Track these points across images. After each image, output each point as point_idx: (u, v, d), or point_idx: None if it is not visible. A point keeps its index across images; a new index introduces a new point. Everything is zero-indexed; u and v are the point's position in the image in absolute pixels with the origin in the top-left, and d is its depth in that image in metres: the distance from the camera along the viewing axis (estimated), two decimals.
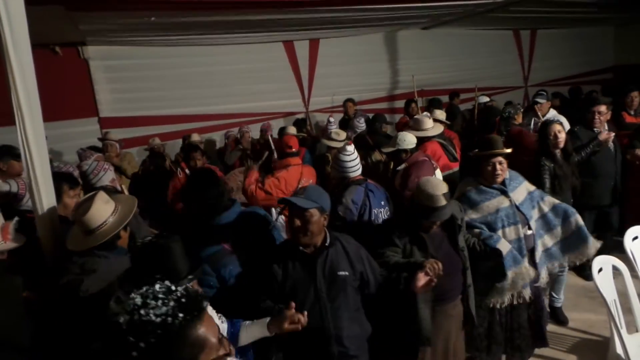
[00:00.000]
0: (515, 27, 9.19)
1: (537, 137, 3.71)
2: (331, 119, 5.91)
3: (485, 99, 6.63)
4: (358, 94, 7.50)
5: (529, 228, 2.80)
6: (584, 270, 4.06)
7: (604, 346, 3.14)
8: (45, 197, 2.19)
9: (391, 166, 3.86)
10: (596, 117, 3.96)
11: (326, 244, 2.12)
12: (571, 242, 2.86)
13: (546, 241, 2.89)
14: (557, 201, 2.95)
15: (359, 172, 3.14)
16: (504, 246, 2.65)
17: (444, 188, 2.31)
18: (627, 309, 2.85)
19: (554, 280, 3.62)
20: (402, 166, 3.50)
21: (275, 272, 2.10)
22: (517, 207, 2.76)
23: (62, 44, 6.18)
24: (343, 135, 4.68)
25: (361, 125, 5.60)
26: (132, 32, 5.72)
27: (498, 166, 2.73)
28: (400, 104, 8.18)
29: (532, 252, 2.83)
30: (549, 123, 3.59)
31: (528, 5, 6.53)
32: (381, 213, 3.06)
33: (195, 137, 5.83)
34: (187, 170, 4.26)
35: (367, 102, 7.91)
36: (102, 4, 4.21)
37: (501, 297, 2.74)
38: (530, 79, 9.75)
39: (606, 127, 4.01)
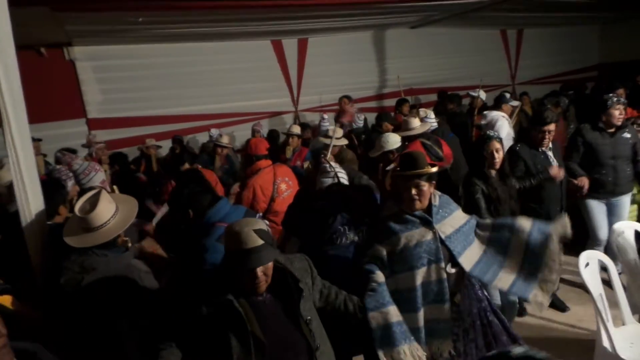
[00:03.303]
0: (502, 27, 9.28)
1: (472, 153, 3.30)
2: (325, 116, 5.89)
3: (484, 95, 6.66)
4: (347, 93, 7.50)
5: (453, 265, 2.26)
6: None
7: (592, 340, 3.18)
8: (33, 199, 2.17)
9: (381, 168, 3.87)
10: (546, 137, 3.46)
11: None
12: (533, 255, 2.26)
13: (509, 271, 2.27)
14: (492, 220, 2.51)
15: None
16: (386, 316, 2.06)
17: (257, 224, 1.69)
18: (614, 303, 2.90)
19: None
20: (391, 167, 3.52)
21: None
22: (442, 241, 2.24)
23: (47, 45, 6.12)
24: (339, 132, 4.66)
25: (359, 122, 5.62)
26: (118, 33, 5.68)
27: (414, 190, 2.23)
28: (388, 102, 8.23)
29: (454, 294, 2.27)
30: (487, 139, 3.13)
31: (514, 4, 6.61)
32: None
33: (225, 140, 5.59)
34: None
35: (356, 101, 7.91)
36: (87, 4, 4.18)
37: None
38: (518, 77, 9.85)
39: (551, 146, 3.54)
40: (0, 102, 2.04)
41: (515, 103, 5.77)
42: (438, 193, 2.38)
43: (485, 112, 5.14)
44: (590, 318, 3.50)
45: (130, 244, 2.22)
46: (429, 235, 2.24)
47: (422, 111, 5.07)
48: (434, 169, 2.28)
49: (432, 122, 4.87)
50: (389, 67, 8.39)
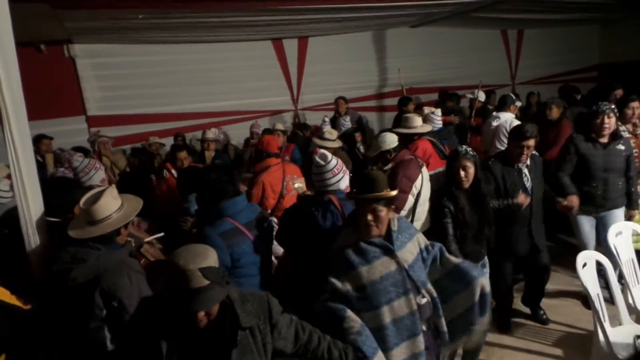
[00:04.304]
0: (503, 27, 9.28)
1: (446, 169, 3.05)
2: (326, 119, 5.87)
3: (483, 95, 6.65)
4: (347, 92, 7.50)
5: (423, 295, 2.10)
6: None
7: (589, 340, 3.19)
8: (32, 197, 2.17)
9: (378, 167, 3.87)
10: (524, 152, 3.14)
11: None
12: (466, 318, 2.18)
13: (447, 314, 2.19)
14: (457, 260, 2.28)
15: (343, 185, 2.61)
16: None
17: (206, 259, 1.51)
18: (610, 303, 2.91)
19: None
20: (389, 166, 3.51)
21: None
22: (407, 271, 2.06)
23: (47, 42, 6.11)
24: (335, 134, 4.67)
25: (347, 123, 5.61)
26: (119, 30, 5.67)
27: (370, 216, 2.03)
28: (389, 102, 8.22)
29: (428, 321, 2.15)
30: (460, 154, 2.83)
31: (516, 4, 6.61)
32: None
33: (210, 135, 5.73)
34: (173, 171, 4.15)
35: (356, 100, 7.92)
36: (88, 1, 4.17)
37: None
38: (518, 77, 9.84)
39: (528, 163, 3.25)
40: (0, 99, 2.04)
41: (518, 103, 5.72)
42: (397, 216, 2.20)
43: (496, 114, 5.02)
44: (588, 318, 3.51)
45: (132, 244, 2.24)
46: (393, 266, 2.04)
47: (426, 109, 5.03)
48: (394, 193, 2.10)
49: (438, 121, 4.86)
50: (389, 67, 8.38)
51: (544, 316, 3.63)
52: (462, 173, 2.81)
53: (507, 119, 4.77)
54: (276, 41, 7.59)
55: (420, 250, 2.20)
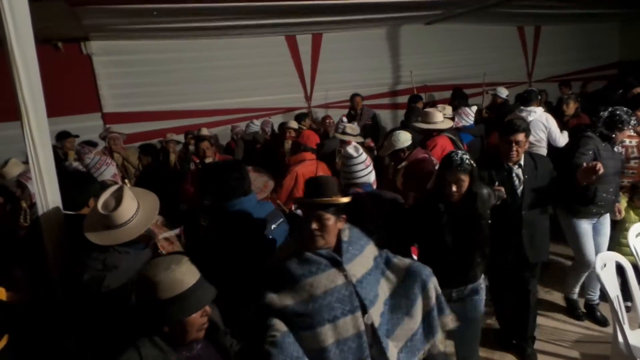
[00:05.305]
0: (519, 24, 9.15)
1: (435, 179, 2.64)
2: (344, 118, 5.80)
3: (505, 92, 6.57)
4: (361, 89, 7.47)
5: (369, 317, 1.83)
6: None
7: (608, 342, 3.13)
8: (50, 193, 2.19)
9: (391, 166, 3.85)
10: (513, 148, 2.82)
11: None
12: (432, 319, 1.95)
13: (406, 328, 1.91)
14: (408, 261, 2.02)
15: (372, 178, 2.64)
16: None
17: (186, 274, 1.48)
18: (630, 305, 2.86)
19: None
20: (403, 165, 3.48)
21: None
22: (355, 287, 1.82)
23: (64, 40, 6.20)
24: (356, 129, 4.68)
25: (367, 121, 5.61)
26: (134, 28, 5.72)
27: (315, 224, 1.82)
28: (402, 99, 8.17)
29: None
30: (454, 165, 2.31)
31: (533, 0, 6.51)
32: None
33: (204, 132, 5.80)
34: (197, 162, 4.15)
35: (370, 98, 7.88)
36: None
37: None
38: (534, 75, 9.70)
39: (522, 163, 2.91)
40: (20, 95, 2.07)
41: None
42: (348, 226, 1.96)
43: (526, 108, 4.87)
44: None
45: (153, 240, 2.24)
46: (340, 280, 1.80)
47: (440, 107, 4.97)
48: (345, 199, 1.87)
49: (470, 117, 4.91)
50: (403, 64, 8.33)
51: (529, 350, 3.19)
52: (454, 187, 2.31)
53: (542, 113, 4.73)
54: (290, 37, 7.59)
55: (374, 259, 1.97)
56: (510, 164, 2.88)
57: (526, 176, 2.89)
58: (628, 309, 2.92)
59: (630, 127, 3.32)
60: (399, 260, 2.00)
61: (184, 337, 1.49)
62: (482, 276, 2.57)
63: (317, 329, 1.75)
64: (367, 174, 2.60)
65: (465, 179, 2.31)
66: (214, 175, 2.47)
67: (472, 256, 2.40)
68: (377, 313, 1.85)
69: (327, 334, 1.76)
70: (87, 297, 1.96)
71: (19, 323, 2.11)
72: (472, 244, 2.37)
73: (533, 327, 3.24)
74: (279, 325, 1.73)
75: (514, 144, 2.81)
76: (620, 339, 2.66)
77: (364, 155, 2.62)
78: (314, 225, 1.81)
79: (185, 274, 1.47)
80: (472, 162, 2.33)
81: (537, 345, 3.31)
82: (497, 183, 2.79)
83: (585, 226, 3.44)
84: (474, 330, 2.60)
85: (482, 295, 2.59)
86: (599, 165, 2.64)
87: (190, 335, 1.49)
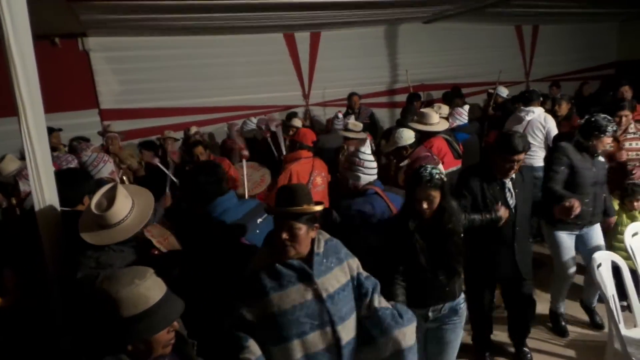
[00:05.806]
0: (517, 23, 9.15)
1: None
2: (340, 115, 5.83)
3: (505, 91, 6.59)
4: (359, 88, 7.47)
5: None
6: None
7: (603, 341, 3.15)
8: (47, 189, 2.18)
9: (393, 164, 3.86)
10: (514, 167, 2.76)
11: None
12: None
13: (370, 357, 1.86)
14: (384, 303, 1.90)
15: (374, 176, 2.66)
16: None
17: (151, 289, 1.39)
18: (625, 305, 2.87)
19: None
20: (405, 162, 3.49)
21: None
22: (325, 302, 1.77)
23: (61, 36, 6.16)
24: (359, 126, 4.67)
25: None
26: (132, 24, 5.69)
27: (285, 234, 1.76)
28: (400, 97, 8.17)
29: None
30: (423, 181, 2.18)
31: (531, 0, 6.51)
32: None
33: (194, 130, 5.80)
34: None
35: (368, 96, 7.88)
36: None
37: None
38: (532, 74, 9.71)
39: (513, 176, 2.83)
40: (17, 91, 2.05)
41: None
42: (325, 237, 1.91)
43: (525, 108, 4.89)
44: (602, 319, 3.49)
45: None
46: (309, 294, 1.76)
47: (436, 106, 4.99)
48: (317, 208, 1.80)
49: (464, 117, 4.90)
50: (401, 62, 8.32)
51: (529, 356, 3.20)
52: (425, 204, 2.19)
53: (540, 113, 4.73)
54: (288, 35, 7.57)
55: (352, 278, 1.88)
56: (504, 179, 2.82)
57: (517, 190, 2.84)
58: (624, 309, 2.94)
59: (608, 134, 3.20)
60: (381, 299, 1.90)
61: (149, 355, 1.39)
62: (462, 296, 2.43)
63: (286, 344, 1.74)
64: (376, 172, 2.66)
65: (436, 195, 2.19)
66: (190, 181, 2.47)
67: (448, 272, 2.28)
68: (347, 330, 1.81)
69: (295, 350, 1.75)
70: (80, 296, 1.93)
71: (9, 325, 2.09)
72: (446, 260, 2.27)
73: (528, 331, 3.25)
74: (254, 348, 1.72)
75: (515, 163, 2.74)
76: (616, 337, 2.68)
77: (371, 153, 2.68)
78: (285, 235, 1.76)
79: (150, 289, 1.36)
80: (442, 176, 2.23)
81: (533, 344, 3.32)
82: (499, 203, 2.78)
83: (565, 238, 3.35)
84: (449, 355, 2.45)
85: (462, 319, 2.43)
86: (577, 205, 2.71)
87: (156, 352, 1.40)
